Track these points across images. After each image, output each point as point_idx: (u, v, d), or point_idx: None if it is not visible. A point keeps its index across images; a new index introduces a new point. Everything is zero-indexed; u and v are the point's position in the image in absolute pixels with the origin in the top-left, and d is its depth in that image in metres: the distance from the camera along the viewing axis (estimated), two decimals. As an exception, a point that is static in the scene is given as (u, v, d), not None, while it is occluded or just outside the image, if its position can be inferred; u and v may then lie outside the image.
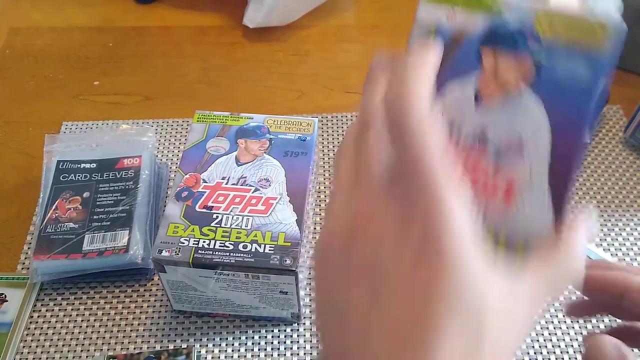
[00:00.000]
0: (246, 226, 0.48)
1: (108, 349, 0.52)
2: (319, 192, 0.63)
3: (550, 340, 0.53)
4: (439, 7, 0.29)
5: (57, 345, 0.53)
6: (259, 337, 0.53)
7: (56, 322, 0.54)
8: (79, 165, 0.60)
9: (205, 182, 0.51)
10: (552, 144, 0.29)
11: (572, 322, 0.54)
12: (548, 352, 0.52)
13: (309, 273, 0.55)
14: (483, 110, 0.29)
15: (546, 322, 0.54)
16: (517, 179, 0.29)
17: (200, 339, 0.53)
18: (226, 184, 0.51)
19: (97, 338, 0.53)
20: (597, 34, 0.28)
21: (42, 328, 0.54)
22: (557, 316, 0.55)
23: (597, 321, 0.54)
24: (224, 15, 0.83)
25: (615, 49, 0.28)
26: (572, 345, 0.53)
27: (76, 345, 0.53)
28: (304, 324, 0.54)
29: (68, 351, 0.52)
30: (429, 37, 0.30)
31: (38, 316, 0.54)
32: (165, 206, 0.57)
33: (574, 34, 0.28)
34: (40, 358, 0.52)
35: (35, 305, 0.55)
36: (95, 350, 0.52)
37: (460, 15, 0.29)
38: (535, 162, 0.29)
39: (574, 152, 0.29)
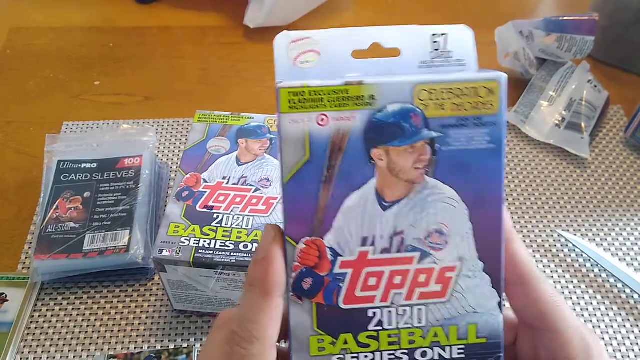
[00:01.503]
0: (247, 226, 0.48)
1: (109, 349, 0.52)
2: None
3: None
4: (304, 115, 0.26)
5: (57, 345, 0.53)
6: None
7: (57, 321, 0.54)
8: (79, 165, 0.61)
9: (206, 182, 0.51)
10: (474, 219, 0.27)
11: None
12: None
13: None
14: (392, 212, 0.27)
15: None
16: (448, 268, 0.27)
17: (201, 339, 0.53)
18: (227, 183, 0.51)
19: (98, 337, 0.53)
20: (483, 93, 0.26)
21: (42, 328, 0.54)
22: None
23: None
24: (225, 15, 0.83)
25: (505, 101, 0.26)
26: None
27: (77, 344, 0.53)
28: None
29: (69, 351, 0.52)
30: (303, 150, 0.26)
31: (39, 316, 0.54)
32: (165, 206, 0.57)
33: (460, 101, 0.26)
34: (41, 358, 0.52)
35: (36, 305, 0.55)
36: (96, 349, 0.52)
37: (333, 116, 0.26)
38: (461, 245, 0.27)
39: (498, 219, 0.27)
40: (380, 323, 0.28)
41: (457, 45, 0.28)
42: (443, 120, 0.26)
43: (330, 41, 0.28)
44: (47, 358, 0.52)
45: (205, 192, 0.50)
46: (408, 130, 0.26)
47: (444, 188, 0.27)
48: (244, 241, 0.47)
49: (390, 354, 0.28)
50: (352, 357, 0.28)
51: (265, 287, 0.27)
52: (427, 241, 0.27)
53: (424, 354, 0.28)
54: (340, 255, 0.27)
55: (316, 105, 0.26)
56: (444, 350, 0.28)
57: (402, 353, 0.28)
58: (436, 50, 0.28)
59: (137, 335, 0.53)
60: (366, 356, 0.28)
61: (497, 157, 0.26)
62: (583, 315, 0.55)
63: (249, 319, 0.26)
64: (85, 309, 0.55)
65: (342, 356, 0.28)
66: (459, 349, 0.28)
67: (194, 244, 0.47)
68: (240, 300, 0.28)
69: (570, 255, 0.59)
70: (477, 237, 0.27)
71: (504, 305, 0.29)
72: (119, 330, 0.54)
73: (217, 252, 0.47)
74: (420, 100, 0.26)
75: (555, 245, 0.59)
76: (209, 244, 0.47)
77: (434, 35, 0.28)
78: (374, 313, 0.28)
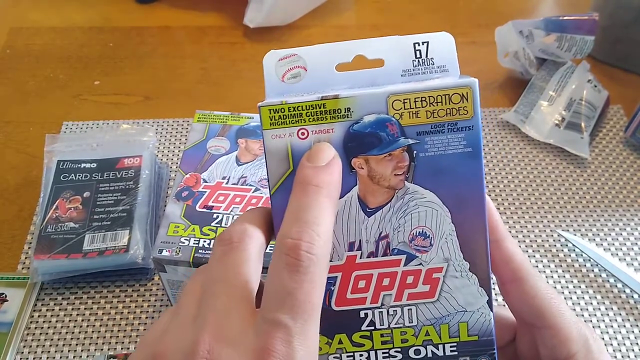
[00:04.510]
0: (246, 226, 0.48)
1: (109, 349, 0.52)
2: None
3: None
4: (286, 130, 0.27)
5: (57, 345, 0.53)
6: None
7: (57, 321, 0.54)
8: (79, 165, 0.61)
9: (206, 182, 0.51)
10: (456, 221, 0.28)
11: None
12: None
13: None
14: (376, 218, 0.28)
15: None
16: (434, 269, 0.28)
17: (201, 339, 0.53)
18: (226, 183, 0.51)
19: (98, 337, 0.53)
20: (456, 99, 0.27)
21: (42, 328, 0.54)
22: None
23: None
24: (224, 15, 0.83)
25: (479, 105, 0.27)
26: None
27: (77, 344, 0.53)
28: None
29: (69, 351, 0.52)
30: (286, 163, 0.27)
31: (38, 316, 0.54)
32: (165, 206, 0.57)
33: (433, 108, 0.27)
34: (40, 357, 0.52)
35: (35, 305, 0.55)
36: (95, 349, 0.52)
37: (313, 130, 0.27)
38: (446, 247, 0.28)
39: (481, 219, 0.28)
40: (372, 323, 0.29)
41: (438, 52, 0.29)
42: (419, 127, 0.27)
43: (315, 56, 0.29)
44: (47, 358, 0.52)
45: (205, 192, 0.50)
46: (385, 139, 0.27)
47: (424, 192, 0.28)
48: (243, 241, 0.47)
49: (384, 353, 0.29)
50: (348, 356, 0.29)
51: (331, 191, 0.26)
52: (412, 244, 0.28)
53: (417, 352, 0.29)
54: (329, 260, 0.28)
55: (296, 120, 0.27)
56: (437, 348, 0.29)
57: (396, 351, 0.29)
58: (418, 58, 0.29)
59: (137, 335, 0.53)
60: (361, 355, 0.29)
61: (475, 160, 0.27)
62: (583, 315, 0.55)
63: (314, 221, 0.24)
64: (85, 309, 0.55)
65: (338, 355, 0.29)
66: (451, 346, 0.29)
67: (194, 244, 0.47)
68: (291, 204, 0.25)
69: (570, 255, 0.59)
70: (460, 238, 0.28)
71: (497, 303, 0.29)
72: (118, 330, 0.54)
73: (217, 252, 0.47)
74: (395, 109, 0.27)
75: (555, 245, 0.59)
76: (209, 244, 0.47)
77: (415, 43, 0.29)
78: (366, 314, 0.29)
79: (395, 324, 0.29)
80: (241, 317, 0.24)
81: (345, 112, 0.27)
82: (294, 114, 0.27)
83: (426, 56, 0.29)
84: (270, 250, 0.47)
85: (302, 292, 0.23)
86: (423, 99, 0.27)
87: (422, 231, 0.28)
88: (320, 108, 0.27)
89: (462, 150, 0.27)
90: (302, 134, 0.27)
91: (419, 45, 0.29)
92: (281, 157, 0.27)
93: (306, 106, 0.27)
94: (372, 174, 0.27)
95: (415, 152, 0.27)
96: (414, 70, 0.29)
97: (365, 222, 0.28)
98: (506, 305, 0.30)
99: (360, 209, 0.28)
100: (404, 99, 0.27)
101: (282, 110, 0.27)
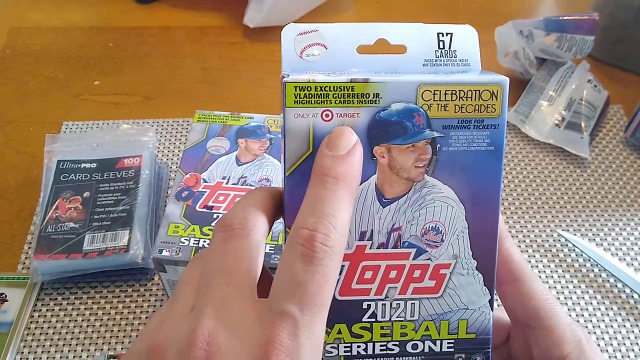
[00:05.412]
0: (246, 226, 0.48)
1: (109, 349, 0.52)
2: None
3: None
4: (309, 110, 0.26)
5: (57, 345, 0.53)
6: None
7: (57, 321, 0.54)
8: (79, 165, 0.61)
9: (206, 182, 0.51)
10: (470, 219, 0.28)
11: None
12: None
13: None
14: (390, 208, 0.27)
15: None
16: (442, 265, 0.28)
17: (201, 339, 0.53)
18: (226, 183, 0.51)
19: (98, 337, 0.53)
20: (486, 96, 0.26)
21: (42, 328, 0.54)
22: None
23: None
24: (224, 15, 0.83)
25: (506, 105, 0.27)
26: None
27: (77, 344, 0.53)
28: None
29: (69, 351, 0.52)
30: (306, 144, 0.26)
31: (38, 316, 0.54)
32: (165, 206, 0.57)
33: (463, 102, 0.26)
34: (40, 358, 0.52)
35: (35, 305, 0.55)
36: (95, 349, 0.52)
37: (337, 112, 0.26)
38: (457, 244, 0.28)
39: (494, 219, 0.28)
40: (374, 315, 0.29)
41: (461, 45, 0.29)
42: (445, 120, 0.27)
43: (337, 35, 0.28)
44: (47, 358, 0.52)
45: (205, 192, 0.50)
46: (410, 129, 0.26)
47: (442, 187, 0.27)
48: (243, 241, 0.47)
49: (382, 345, 0.29)
50: (345, 347, 0.29)
51: (350, 183, 0.25)
52: (424, 238, 0.28)
53: (414, 346, 0.29)
54: None
55: (321, 101, 0.26)
56: (435, 344, 0.29)
57: (394, 344, 0.29)
58: (441, 49, 0.29)
59: (136, 336, 0.53)
60: (359, 346, 0.29)
61: (497, 160, 0.27)
62: (583, 315, 0.55)
63: (332, 214, 0.24)
64: (85, 309, 0.55)
65: (335, 345, 0.29)
66: (448, 343, 0.29)
67: (194, 244, 0.47)
68: (308, 196, 0.24)
69: (570, 255, 0.59)
70: (472, 237, 0.28)
71: (497, 304, 0.29)
72: (118, 330, 0.54)
73: (217, 252, 0.47)
74: (424, 100, 0.26)
75: (555, 245, 0.59)
76: (209, 244, 0.47)
77: (439, 34, 0.29)
78: (369, 305, 0.28)
79: (397, 317, 0.28)
80: (242, 308, 0.23)
81: (373, 97, 0.26)
82: (320, 94, 0.26)
83: (449, 48, 0.29)
84: (269, 250, 0.48)
85: (313, 284, 0.23)
86: (454, 92, 0.26)
87: (435, 226, 0.28)
88: (348, 90, 0.26)
89: (485, 148, 0.27)
90: (327, 115, 0.26)
91: (442, 35, 0.28)
92: (302, 137, 0.26)
93: (334, 87, 0.26)
94: (393, 164, 0.27)
95: (438, 145, 0.27)
96: (436, 60, 0.29)
97: (380, 213, 0.27)
98: (501, 305, 0.30)
99: (376, 199, 0.27)
100: (434, 90, 0.26)
101: (309, 88, 0.26)
